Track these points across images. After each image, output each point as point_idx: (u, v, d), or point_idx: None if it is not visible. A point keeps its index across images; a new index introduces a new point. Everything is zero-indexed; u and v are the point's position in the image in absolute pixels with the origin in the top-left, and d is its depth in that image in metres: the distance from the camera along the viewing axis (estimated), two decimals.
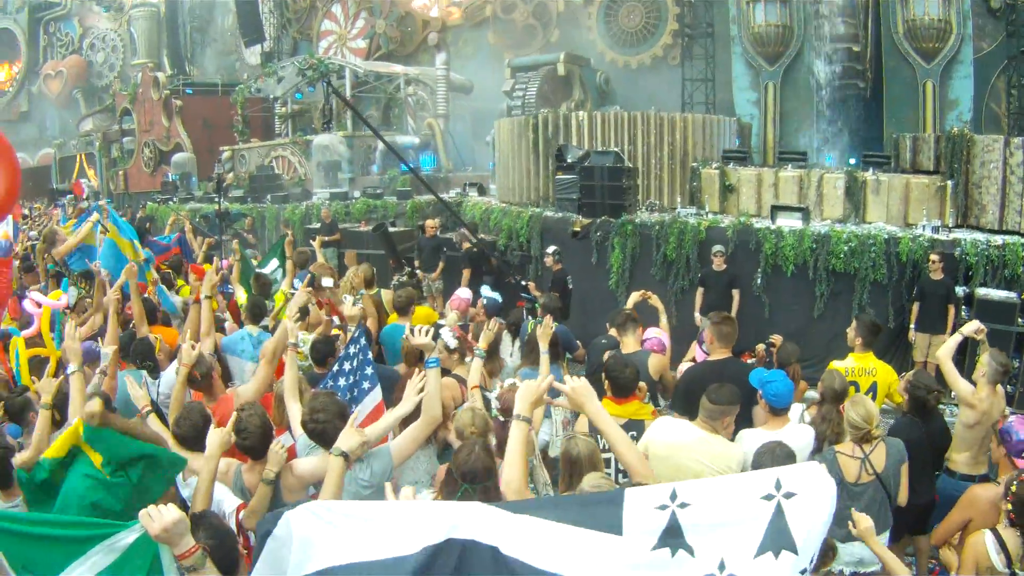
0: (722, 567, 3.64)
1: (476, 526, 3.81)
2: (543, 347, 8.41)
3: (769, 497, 3.70)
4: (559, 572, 3.72)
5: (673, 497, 3.72)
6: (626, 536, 3.69)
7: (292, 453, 6.47)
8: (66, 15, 57.50)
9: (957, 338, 8.62)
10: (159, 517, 4.33)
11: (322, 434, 6.07)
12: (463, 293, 12.26)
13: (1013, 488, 5.58)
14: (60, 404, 7.59)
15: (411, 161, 29.81)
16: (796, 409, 7.38)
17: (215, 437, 5.87)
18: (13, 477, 6.13)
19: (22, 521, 5.03)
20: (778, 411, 7.00)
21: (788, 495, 3.70)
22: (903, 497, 7.04)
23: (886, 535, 7.01)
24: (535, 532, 3.79)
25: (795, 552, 3.64)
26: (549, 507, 3.98)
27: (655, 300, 10.84)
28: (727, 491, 3.81)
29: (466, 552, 3.76)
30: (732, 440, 6.76)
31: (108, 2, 54.99)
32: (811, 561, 3.70)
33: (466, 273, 17.29)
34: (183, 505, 7.31)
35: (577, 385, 5.14)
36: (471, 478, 5.34)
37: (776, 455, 5.92)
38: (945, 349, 8.46)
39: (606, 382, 7.48)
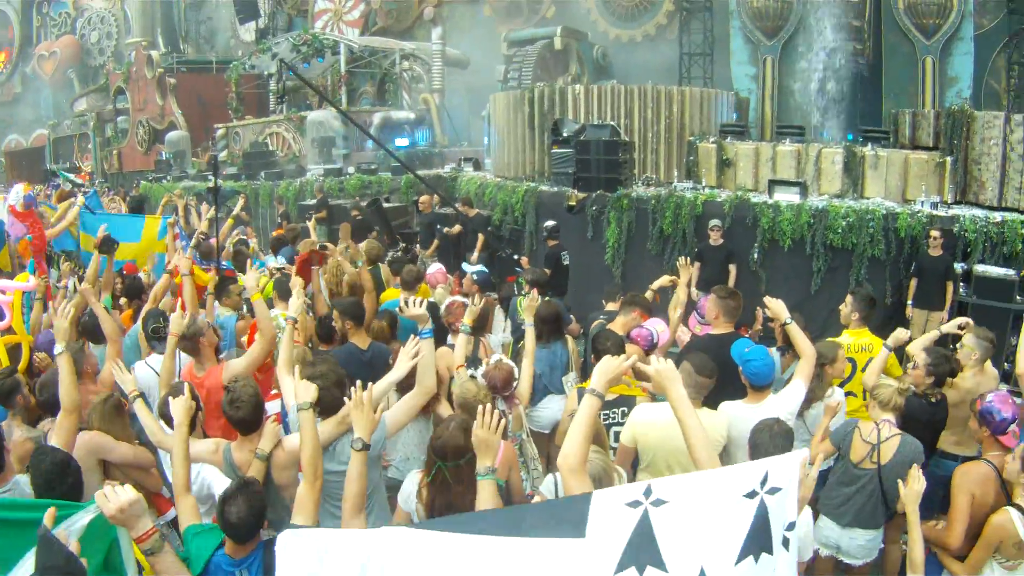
0: None
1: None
2: (528, 320, 8.41)
3: (752, 495, 3.52)
4: None
5: (648, 493, 3.41)
6: (588, 538, 3.34)
7: (278, 419, 6.38)
8: None
9: (934, 334, 8.52)
10: (115, 497, 4.27)
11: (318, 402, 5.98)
12: (433, 267, 12.27)
13: None
14: (44, 385, 7.48)
15: (407, 135, 29.77)
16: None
17: (179, 405, 5.79)
18: (4, 460, 6.00)
19: None
20: (758, 388, 6.89)
21: (772, 491, 3.54)
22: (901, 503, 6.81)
23: (877, 533, 6.96)
24: (485, 561, 3.42)
25: (771, 553, 3.52)
26: (509, 520, 3.63)
27: (681, 291, 9.81)
28: (708, 488, 3.54)
29: None
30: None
31: None
32: (777, 559, 3.56)
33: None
34: (153, 481, 7.25)
35: (663, 368, 4.92)
36: (441, 455, 5.42)
37: (774, 432, 5.82)
38: (919, 343, 8.35)
39: (592, 355, 7.38)
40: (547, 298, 10.10)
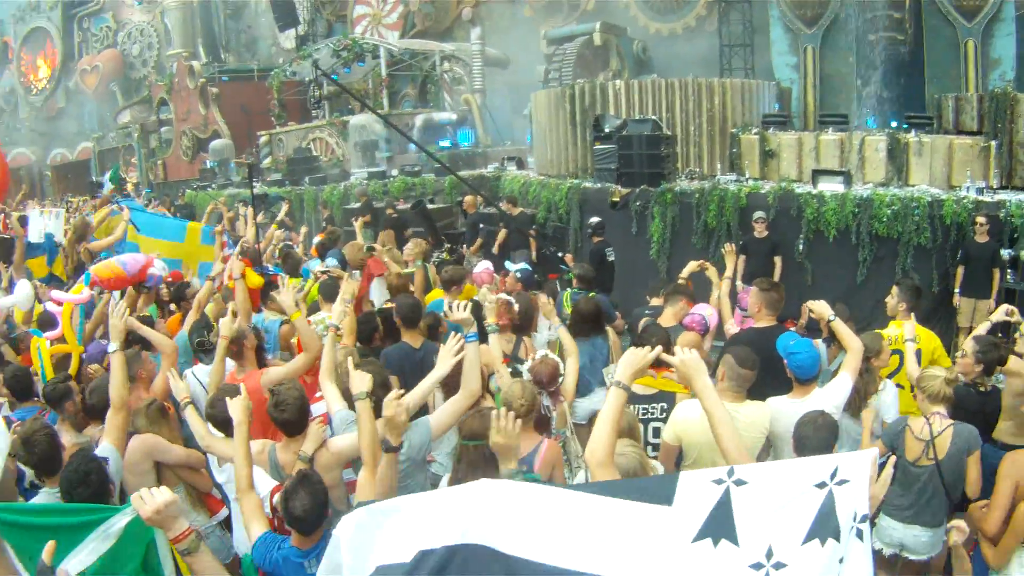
0: (770, 554, 3.62)
1: (496, 523, 3.79)
2: (554, 321, 8.52)
3: (822, 485, 3.72)
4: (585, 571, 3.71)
5: (730, 474, 3.73)
6: (674, 507, 3.67)
7: (324, 420, 6.52)
8: (99, 10, 57.70)
9: (986, 325, 8.48)
10: (151, 499, 4.34)
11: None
12: (480, 266, 12.23)
13: None
14: (94, 390, 7.58)
15: (449, 137, 29.88)
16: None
17: (236, 404, 5.87)
18: (60, 460, 6.12)
19: (23, 512, 5.05)
20: (803, 381, 6.88)
21: (840, 483, 3.72)
22: (973, 489, 6.74)
23: (940, 528, 6.84)
24: (573, 513, 3.77)
25: (838, 540, 3.65)
26: (599, 487, 4.05)
27: (712, 272, 10.38)
28: (784, 475, 3.82)
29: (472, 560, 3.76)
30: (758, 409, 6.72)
31: None
32: (847, 547, 3.69)
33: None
34: (202, 481, 7.34)
35: (687, 358, 4.93)
36: (459, 432, 5.84)
37: (818, 424, 5.90)
38: (977, 334, 8.30)
39: None
40: (591, 295, 10.14)
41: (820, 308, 7.50)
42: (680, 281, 10.06)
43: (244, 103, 41.89)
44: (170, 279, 12.89)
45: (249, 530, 5.41)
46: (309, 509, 5.02)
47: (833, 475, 3.73)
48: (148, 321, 9.55)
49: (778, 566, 3.58)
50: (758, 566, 3.59)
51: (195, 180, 39.42)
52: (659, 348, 5.04)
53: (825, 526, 3.64)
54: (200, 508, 7.29)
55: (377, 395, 6.00)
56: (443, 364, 6.47)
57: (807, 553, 3.60)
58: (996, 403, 7.70)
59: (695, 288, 10.20)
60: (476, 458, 5.45)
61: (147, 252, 12.83)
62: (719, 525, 3.64)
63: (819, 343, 7.69)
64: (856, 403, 7.42)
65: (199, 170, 40.34)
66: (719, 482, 3.70)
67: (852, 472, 3.74)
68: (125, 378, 6.92)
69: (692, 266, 10.53)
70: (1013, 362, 7.77)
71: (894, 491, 6.82)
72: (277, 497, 5.87)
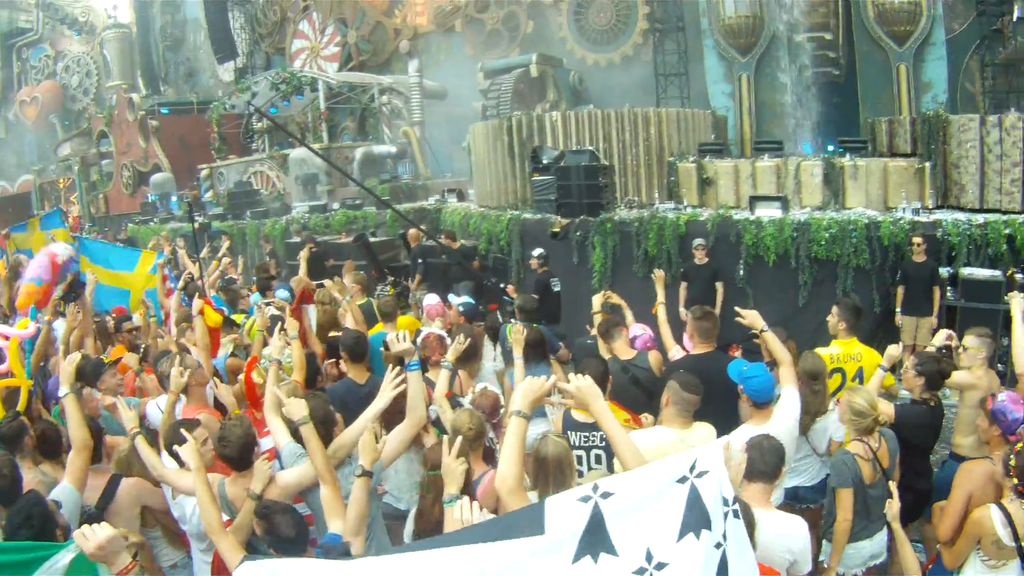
0: (649, 558, 3.73)
1: None
2: (516, 352, 8.47)
3: (683, 479, 3.87)
4: None
5: (595, 489, 3.77)
6: (548, 534, 3.69)
7: (271, 455, 6.55)
8: (38, 40, 57.40)
9: (931, 350, 8.59)
10: (93, 536, 4.37)
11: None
12: (431, 300, 12.21)
13: (1012, 461, 5.65)
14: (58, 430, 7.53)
15: (389, 170, 29.91)
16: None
17: (187, 450, 5.87)
18: (19, 492, 6.16)
19: None
20: (761, 405, 6.86)
21: (700, 474, 3.90)
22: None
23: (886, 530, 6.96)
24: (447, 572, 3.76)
25: (710, 529, 3.83)
26: (470, 533, 3.97)
27: (615, 298, 10.60)
28: (646, 478, 3.91)
29: None
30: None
31: (79, 25, 54.84)
32: (723, 535, 3.89)
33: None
34: (175, 524, 7.30)
35: (583, 384, 5.08)
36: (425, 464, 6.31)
37: (764, 448, 5.84)
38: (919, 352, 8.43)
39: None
40: (534, 325, 10.19)
41: (752, 317, 7.53)
42: (597, 316, 10.14)
43: (183, 136, 41.77)
44: (114, 314, 12.83)
45: (232, 567, 5.41)
46: (295, 524, 5.22)
47: (692, 468, 3.89)
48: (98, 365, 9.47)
49: (660, 567, 3.72)
50: (641, 571, 3.70)
51: (137, 214, 39.33)
52: (555, 377, 5.32)
53: (695, 518, 3.81)
54: (177, 544, 7.27)
55: (319, 432, 6.05)
56: (382, 397, 6.54)
57: (684, 548, 3.76)
58: (941, 414, 7.80)
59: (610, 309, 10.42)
60: (440, 485, 5.49)
61: (100, 281, 12.82)
62: (595, 541, 3.71)
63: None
64: (805, 422, 7.52)
65: (140, 204, 40.22)
66: (586, 499, 3.75)
67: (709, 462, 3.95)
68: (83, 419, 6.87)
69: (599, 298, 10.57)
70: (963, 376, 7.96)
71: (859, 522, 6.86)
72: (228, 530, 5.88)
